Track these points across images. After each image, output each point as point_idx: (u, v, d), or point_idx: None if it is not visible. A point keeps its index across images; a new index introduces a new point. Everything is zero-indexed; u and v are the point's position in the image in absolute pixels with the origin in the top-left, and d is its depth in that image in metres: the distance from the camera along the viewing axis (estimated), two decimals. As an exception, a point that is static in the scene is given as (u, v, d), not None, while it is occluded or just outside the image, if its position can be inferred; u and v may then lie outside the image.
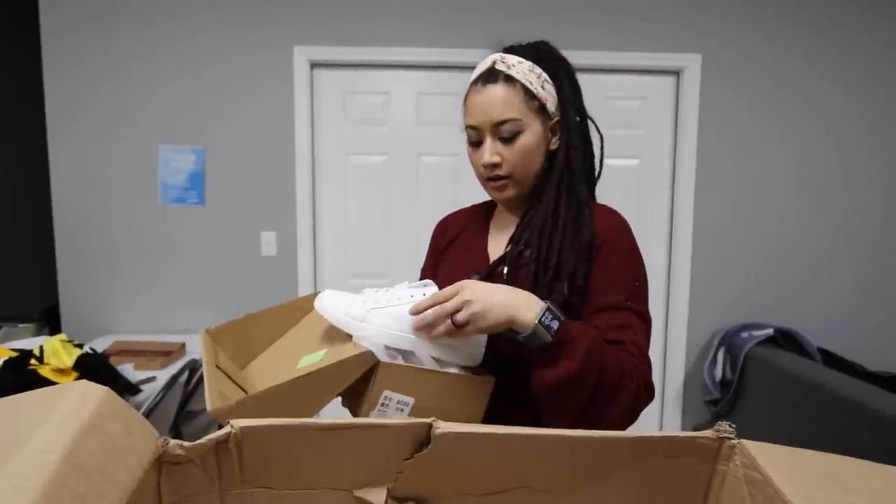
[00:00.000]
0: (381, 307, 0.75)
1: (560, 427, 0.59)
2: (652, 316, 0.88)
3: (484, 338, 0.79)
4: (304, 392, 0.65)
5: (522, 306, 0.74)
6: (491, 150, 0.88)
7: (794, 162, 2.69)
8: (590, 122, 0.95)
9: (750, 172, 2.69)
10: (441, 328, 0.73)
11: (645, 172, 2.72)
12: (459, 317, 0.72)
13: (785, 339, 2.53)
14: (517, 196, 0.92)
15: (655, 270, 2.72)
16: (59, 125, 2.56)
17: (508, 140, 0.87)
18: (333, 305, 0.74)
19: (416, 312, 0.74)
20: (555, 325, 0.73)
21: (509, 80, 0.87)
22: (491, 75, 0.88)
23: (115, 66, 2.55)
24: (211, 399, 0.61)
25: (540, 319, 0.72)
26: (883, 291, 2.75)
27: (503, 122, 0.86)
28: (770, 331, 2.53)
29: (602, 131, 0.97)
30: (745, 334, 2.57)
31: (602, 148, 0.97)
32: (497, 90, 0.87)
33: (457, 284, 0.75)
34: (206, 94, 2.59)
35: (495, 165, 0.89)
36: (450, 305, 0.73)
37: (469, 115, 0.91)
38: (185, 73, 2.57)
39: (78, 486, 0.30)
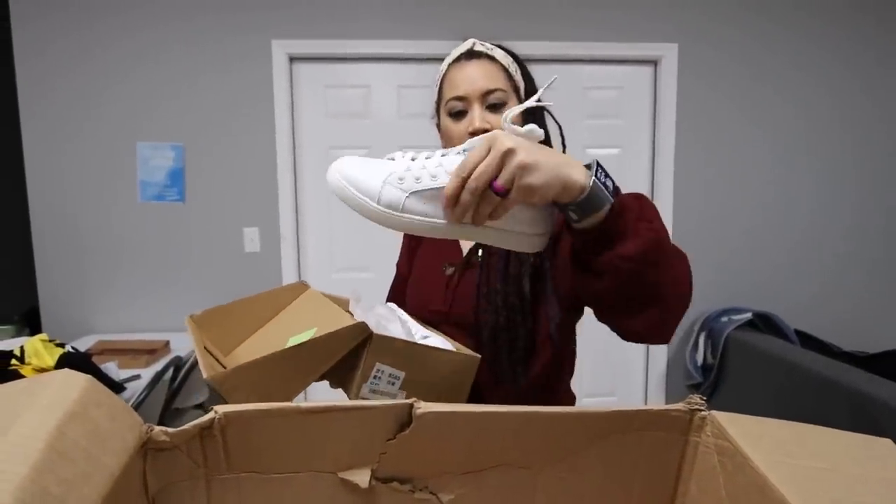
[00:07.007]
0: (423, 189, 0.58)
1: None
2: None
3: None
4: (298, 362, 0.65)
5: (568, 163, 0.57)
6: (480, 117, 0.86)
7: (770, 149, 2.74)
8: (546, 114, 0.95)
9: (727, 161, 2.73)
10: (484, 207, 0.57)
11: (625, 162, 2.74)
12: (501, 180, 0.55)
13: (763, 323, 2.59)
14: None
15: (637, 258, 2.73)
16: (34, 124, 2.51)
17: (497, 108, 0.87)
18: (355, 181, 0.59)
19: (451, 203, 0.57)
20: (610, 183, 0.59)
21: (491, 58, 0.89)
22: (472, 54, 0.90)
23: (91, 64, 2.50)
24: (206, 369, 0.62)
25: (595, 175, 0.57)
26: (855, 275, 2.82)
27: (492, 91, 0.87)
28: (749, 315, 2.58)
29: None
30: (724, 319, 2.62)
31: (562, 135, 0.95)
32: (482, 64, 0.88)
33: (483, 137, 0.57)
34: (183, 90, 2.55)
35: (485, 132, 0.87)
36: (489, 168, 0.54)
37: (453, 87, 0.89)
38: (161, 69, 2.53)
39: (63, 471, 0.30)
